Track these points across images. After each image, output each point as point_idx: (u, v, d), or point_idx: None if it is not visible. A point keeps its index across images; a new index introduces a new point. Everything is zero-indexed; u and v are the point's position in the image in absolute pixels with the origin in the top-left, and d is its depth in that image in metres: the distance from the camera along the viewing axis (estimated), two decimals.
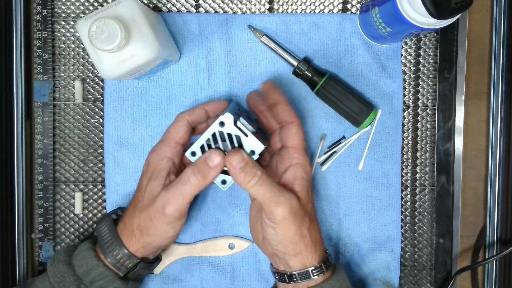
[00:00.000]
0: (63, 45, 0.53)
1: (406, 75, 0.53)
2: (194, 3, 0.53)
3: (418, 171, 0.53)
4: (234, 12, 0.53)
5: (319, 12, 0.53)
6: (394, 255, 0.53)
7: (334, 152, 0.53)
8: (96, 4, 0.53)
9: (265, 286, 0.53)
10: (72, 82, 0.54)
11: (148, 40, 0.42)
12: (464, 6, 0.38)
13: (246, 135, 0.43)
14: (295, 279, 0.43)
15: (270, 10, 0.53)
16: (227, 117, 0.43)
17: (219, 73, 0.53)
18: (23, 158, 0.53)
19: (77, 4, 0.53)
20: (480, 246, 0.54)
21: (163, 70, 0.53)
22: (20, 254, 0.53)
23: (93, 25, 0.40)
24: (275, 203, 0.41)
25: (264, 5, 0.53)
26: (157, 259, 0.49)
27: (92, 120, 0.54)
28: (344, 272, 0.45)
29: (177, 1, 0.53)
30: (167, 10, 0.53)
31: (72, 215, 0.54)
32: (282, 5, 0.53)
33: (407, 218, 0.54)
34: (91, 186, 0.54)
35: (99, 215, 0.54)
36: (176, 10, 0.53)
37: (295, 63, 0.51)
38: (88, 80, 0.54)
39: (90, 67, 0.54)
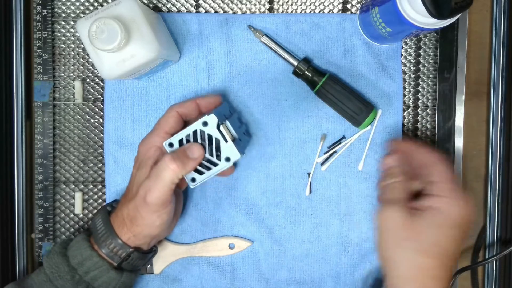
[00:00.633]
0: (63, 45, 0.53)
1: (406, 75, 0.53)
2: (194, 3, 0.53)
3: None
4: (234, 12, 0.53)
5: (319, 12, 0.53)
6: None
7: (334, 152, 0.53)
8: (96, 4, 0.53)
9: (265, 286, 0.53)
10: (72, 82, 0.54)
11: (148, 40, 0.42)
12: (464, 6, 0.38)
13: (226, 141, 0.43)
14: None
15: (270, 10, 0.53)
16: (212, 119, 0.43)
17: (219, 73, 0.53)
18: (23, 158, 0.53)
19: (77, 4, 0.53)
20: (480, 246, 0.54)
21: (163, 70, 0.53)
22: (20, 254, 0.53)
23: (93, 25, 0.40)
24: None
25: (264, 5, 0.53)
26: (152, 250, 0.49)
27: (92, 120, 0.54)
28: None
29: (177, 1, 0.53)
30: (167, 10, 0.53)
31: (72, 215, 0.54)
32: (282, 5, 0.53)
33: None
34: (91, 186, 0.54)
35: None
36: (176, 10, 0.53)
37: (295, 63, 0.51)
38: (88, 80, 0.54)
39: (90, 67, 0.54)
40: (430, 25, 0.41)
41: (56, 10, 0.53)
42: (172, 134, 0.46)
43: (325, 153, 0.53)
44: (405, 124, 0.53)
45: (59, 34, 0.53)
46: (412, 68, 0.53)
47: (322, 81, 0.50)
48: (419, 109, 0.53)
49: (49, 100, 0.53)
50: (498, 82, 0.52)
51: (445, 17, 0.39)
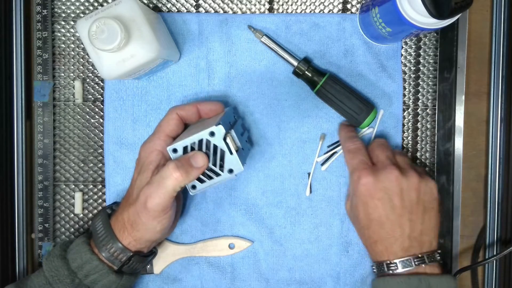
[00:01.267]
0: (63, 45, 0.53)
1: (406, 75, 0.53)
2: (194, 3, 0.53)
3: None
4: (234, 12, 0.53)
5: (319, 12, 0.53)
6: None
7: (334, 152, 0.53)
8: (96, 4, 0.53)
9: (265, 286, 0.53)
10: (72, 82, 0.54)
11: (148, 40, 0.42)
12: (464, 6, 0.38)
13: (231, 153, 0.43)
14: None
15: (270, 10, 0.53)
16: (219, 130, 0.43)
17: (219, 73, 0.53)
18: (23, 158, 0.53)
19: (77, 4, 0.53)
20: (480, 246, 0.54)
21: (163, 70, 0.53)
22: (20, 254, 0.53)
23: (93, 25, 0.40)
24: None
25: (264, 5, 0.53)
26: (152, 253, 0.49)
27: (92, 120, 0.54)
28: None
29: (177, 1, 0.53)
30: (167, 10, 0.53)
31: (72, 215, 0.54)
32: (282, 5, 0.53)
33: None
34: (91, 186, 0.54)
35: None
36: (176, 10, 0.53)
37: (295, 63, 0.51)
38: (88, 80, 0.54)
39: (90, 67, 0.54)
40: (430, 25, 0.41)
41: (56, 10, 0.53)
42: (173, 137, 0.46)
43: (325, 153, 0.53)
44: (405, 124, 0.53)
45: (59, 34, 0.53)
46: (412, 68, 0.53)
47: (322, 81, 0.50)
48: (419, 109, 0.53)
49: (49, 100, 0.53)
50: (498, 82, 0.52)
51: (445, 17, 0.39)
